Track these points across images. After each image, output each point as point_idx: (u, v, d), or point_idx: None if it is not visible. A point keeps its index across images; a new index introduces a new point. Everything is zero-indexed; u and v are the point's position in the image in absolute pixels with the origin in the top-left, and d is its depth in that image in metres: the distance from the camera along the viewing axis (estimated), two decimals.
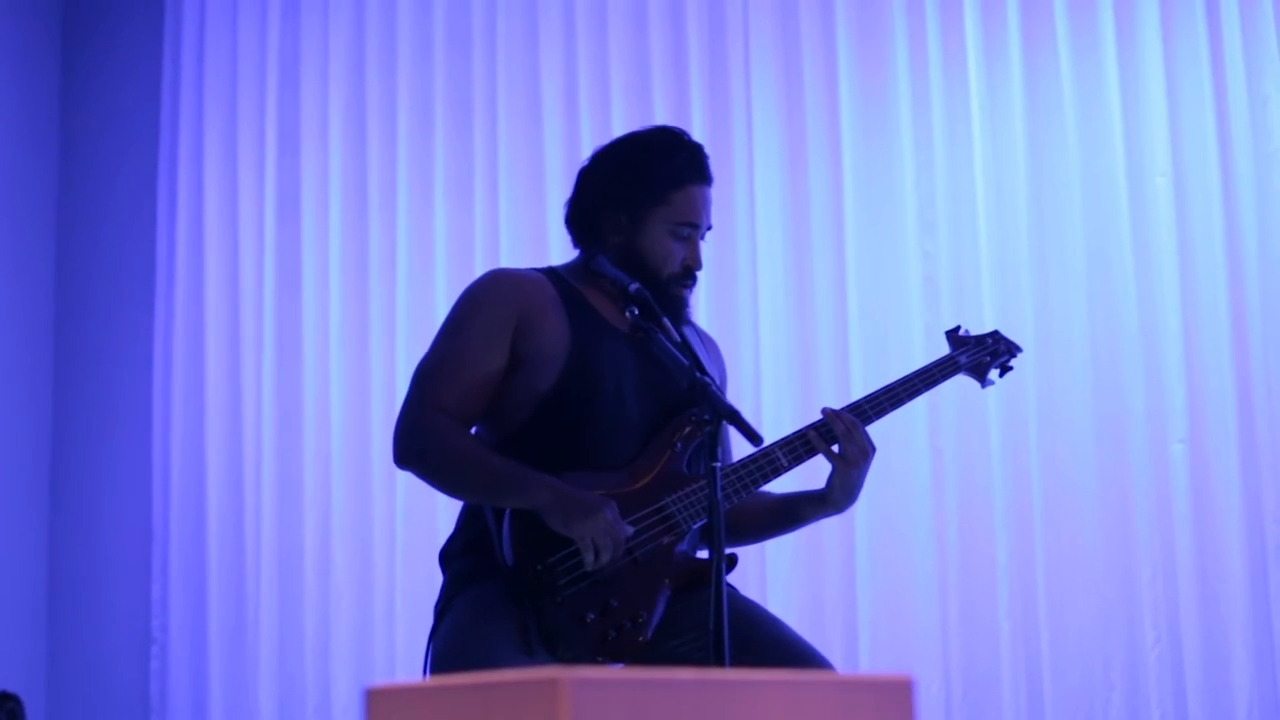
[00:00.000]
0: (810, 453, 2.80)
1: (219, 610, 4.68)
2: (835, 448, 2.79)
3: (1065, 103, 4.16)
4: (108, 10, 5.25)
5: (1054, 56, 4.19)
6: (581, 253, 2.89)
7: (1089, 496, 4.01)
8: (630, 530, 2.65)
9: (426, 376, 2.78)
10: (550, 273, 2.88)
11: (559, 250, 3.57)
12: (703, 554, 2.77)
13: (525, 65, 4.63)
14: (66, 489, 5.02)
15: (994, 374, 3.03)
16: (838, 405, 2.84)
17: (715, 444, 2.47)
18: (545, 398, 2.75)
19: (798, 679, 1.74)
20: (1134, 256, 4.06)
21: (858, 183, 4.30)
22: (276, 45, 4.89)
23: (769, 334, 4.29)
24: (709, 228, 2.88)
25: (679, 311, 2.82)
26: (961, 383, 3.07)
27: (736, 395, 3.77)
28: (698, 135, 3.06)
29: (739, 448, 2.84)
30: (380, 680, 3.99)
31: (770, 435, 2.74)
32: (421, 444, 2.74)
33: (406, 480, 4.26)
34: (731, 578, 2.65)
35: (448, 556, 2.83)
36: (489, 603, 2.66)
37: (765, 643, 2.69)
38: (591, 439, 2.75)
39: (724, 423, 2.54)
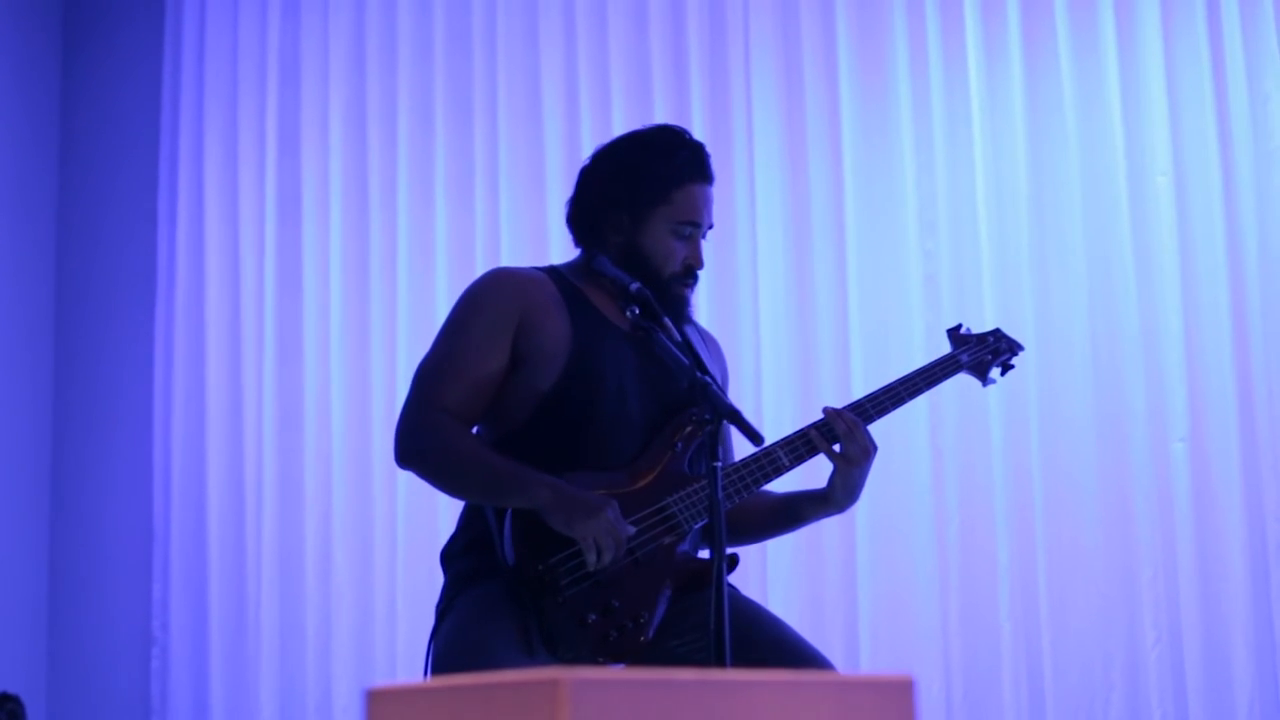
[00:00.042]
0: (812, 452, 2.80)
1: (219, 610, 4.68)
2: (837, 447, 2.79)
3: (1065, 102, 4.15)
4: (108, 10, 5.26)
5: (1054, 56, 4.19)
6: (583, 252, 2.89)
7: (1090, 496, 4.01)
8: (632, 530, 2.65)
9: (428, 376, 2.77)
10: (552, 271, 2.88)
11: (559, 250, 3.57)
12: (704, 554, 2.77)
13: (525, 65, 4.63)
14: (66, 489, 5.02)
15: (995, 372, 3.02)
16: (838, 404, 2.84)
17: (716, 444, 2.47)
18: (546, 397, 2.75)
19: (798, 679, 1.74)
20: (1134, 256, 4.06)
21: (858, 182, 4.30)
22: (276, 45, 4.90)
23: (769, 334, 4.29)
24: (710, 226, 2.88)
25: (681, 310, 2.82)
26: (962, 382, 3.07)
27: (737, 395, 3.77)
28: (698, 135, 3.05)
29: (740, 447, 2.84)
30: (381, 680, 4.00)
31: (771, 435, 2.74)
32: (423, 444, 2.74)
33: (407, 480, 4.26)
34: (732, 578, 2.65)
35: (449, 556, 2.82)
36: (490, 603, 2.66)
37: (766, 643, 2.69)
38: (592, 438, 2.75)
39: (725, 422, 2.54)
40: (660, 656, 2.67)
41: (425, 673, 2.69)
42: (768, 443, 2.67)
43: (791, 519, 2.92)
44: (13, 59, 5.12)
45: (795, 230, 4.34)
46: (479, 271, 3.23)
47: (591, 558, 2.60)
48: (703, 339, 2.96)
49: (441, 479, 2.77)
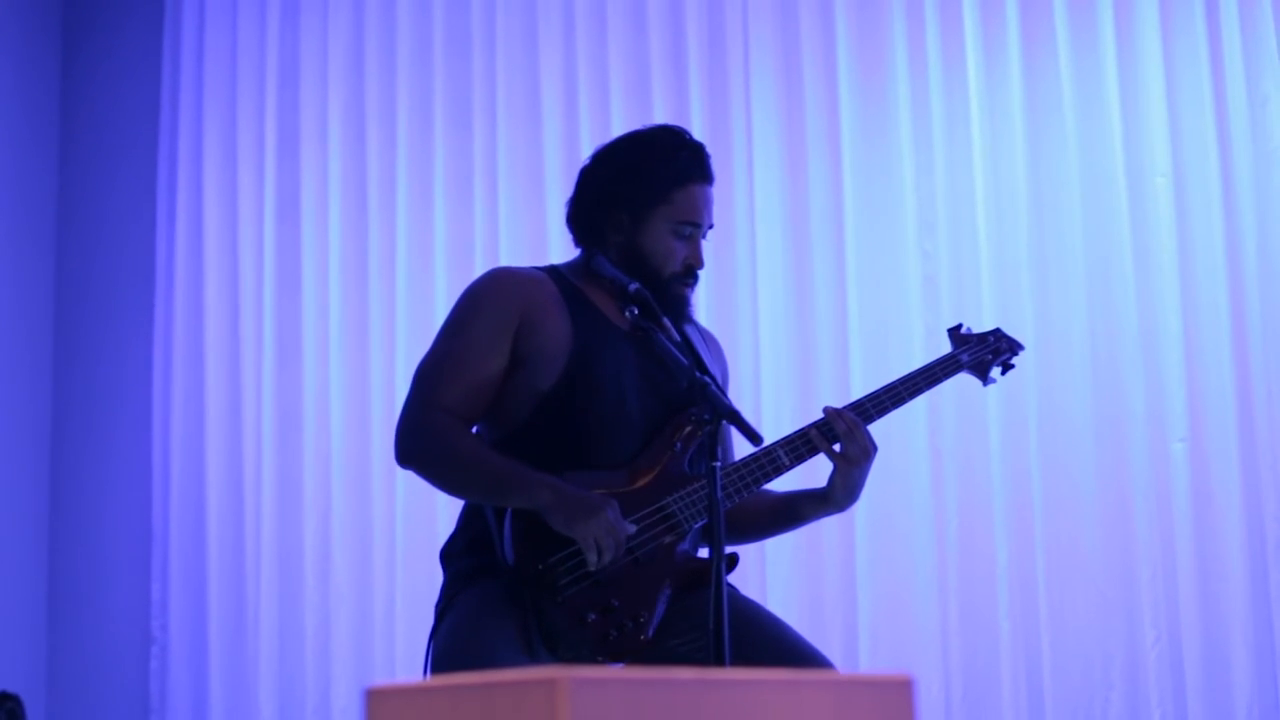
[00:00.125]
0: (812, 451, 2.80)
1: (219, 610, 4.68)
2: (837, 447, 2.79)
3: (1065, 103, 4.15)
4: (108, 10, 5.25)
5: (1054, 56, 4.19)
6: (583, 252, 2.89)
7: (1089, 496, 4.01)
8: (632, 529, 2.65)
9: (428, 376, 2.78)
10: (552, 271, 2.88)
11: (559, 250, 3.57)
12: (704, 553, 2.77)
13: (525, 65, 4.63)
14: (66, 489, 5.02)
15: (995, 372, 3.02)
16: (838, 404, 2.84)
17: (715, 443, 2.47)
18: (546, 397, 2.75)
19: (797, 679, 1.74)
20: (1134, 257, 4.06)
21: (858, 183, 4.30)
22: (276, 45, 4.89)
23: (769, 334, 4.29)
24: (710, 226, 2.88)
25: (681, 310, 2.82)
26: (961, 382, 3.07)
27: (737, 395, 3.77)
28: (698, 135, 3.05)
29: (740, 447, 2.84)
30: (380, 680, 3.99)
31: (770, 435, 2.74)
32: (423, 443, 2.74)
33: (406, 480, 4.26)
34: (732, 578, 2.65)
35: (448, 556, 2.82)
36: (490, 602, 2.66)
37: (765, 642, 2.69)
38: (592, 438, 2.75)
39: (724, 422, 2.54)
40: (660, 656, 2.67)
41: (425, 672, 2.69)
42: (767, 442, 2.67)
43: (791, 518, 2.92)
44: (13, 59, 5.12)
45: (794, 230, 4.34)
46: (478, 272, 3.23)
47: (592, 557, 2.60)
48: (703, 339, 2.96)
49: (442, 479, 2.77)
